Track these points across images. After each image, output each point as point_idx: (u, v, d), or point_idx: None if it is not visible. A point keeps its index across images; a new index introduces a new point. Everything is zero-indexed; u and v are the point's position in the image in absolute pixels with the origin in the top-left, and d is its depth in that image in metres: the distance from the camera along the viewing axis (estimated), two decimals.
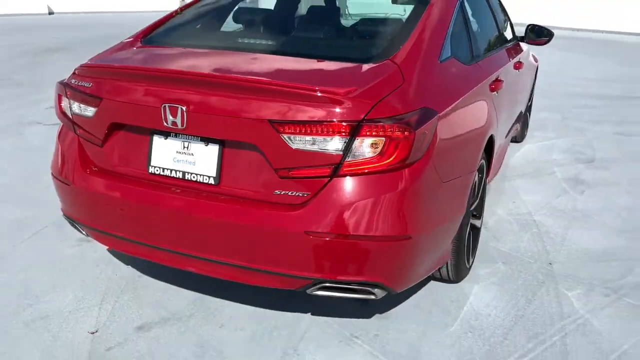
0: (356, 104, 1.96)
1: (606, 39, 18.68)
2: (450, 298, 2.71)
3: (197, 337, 2.38)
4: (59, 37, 15.56)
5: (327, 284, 2.07)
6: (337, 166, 1.97)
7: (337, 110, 1.95)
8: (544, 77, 9.90)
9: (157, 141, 2.21)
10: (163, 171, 2.21)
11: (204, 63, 2.38)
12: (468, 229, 2.69)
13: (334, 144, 1.95)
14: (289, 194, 2.03)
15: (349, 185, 1.98)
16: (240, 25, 3.16)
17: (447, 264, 2.59)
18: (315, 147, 1.96)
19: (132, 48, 2.63)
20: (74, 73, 2.42)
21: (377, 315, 2.55)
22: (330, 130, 1.94)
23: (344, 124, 1.94)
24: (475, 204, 2.85)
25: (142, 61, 2.48)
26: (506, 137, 3.93)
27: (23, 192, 3.92)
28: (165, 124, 2.11)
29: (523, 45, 4.49)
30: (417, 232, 2.07)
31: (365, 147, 1.95)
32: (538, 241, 3.34)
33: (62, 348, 2.29)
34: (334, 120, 1.94)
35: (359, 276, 2.05)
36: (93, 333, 2.38)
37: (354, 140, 1.94)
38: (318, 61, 2.33)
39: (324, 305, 2.59)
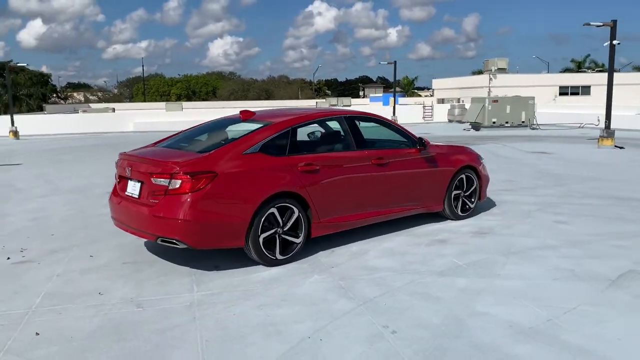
0: (176, 167, 5.04)
1: None
2: (258, 271, 5.35)
3: (148, 268, 5.55)
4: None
5: (162, 238, 5.10)
6: (166, 190, 5.06)
7: (169, 170, 5.06)
8: (585, 182, 10.43)
9: (129, 182, 5.59)
10: (129, 193, 5.56)
11: (144, 152, 5.81)
12: (268, 238, 5.32)
13: (165, 182, 5.06)
14: (153, 201, 5.17)
15: (170, 199, 5.03)
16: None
17: (251, 252, 5.32)
18: (160, 183, 5.10)
19: (146, 148, 6.19)
20: (118, 158, 6.01)
21: (231, 270, 5.39)
22: (165, 176, 5.06)
23: (169, 174, 5.03)
24: (287, 226, 5.48)
25: (137, 153, 5.98)
26: (360, 206, 6.15)
27: None
28: (127, 174, 5.51)
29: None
30: (195, 220, 4.97)
31: (176, 183, 5.01)
32: (349, 262, 5.62)
33: (130, 260, 5.70)
34: (166, 173, 5.06)
35: (172, 235, 5.03)
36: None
37: (172, 180, 5.03)
38: (180, 152, 5.58)
39: (227, 261, 5.53)
